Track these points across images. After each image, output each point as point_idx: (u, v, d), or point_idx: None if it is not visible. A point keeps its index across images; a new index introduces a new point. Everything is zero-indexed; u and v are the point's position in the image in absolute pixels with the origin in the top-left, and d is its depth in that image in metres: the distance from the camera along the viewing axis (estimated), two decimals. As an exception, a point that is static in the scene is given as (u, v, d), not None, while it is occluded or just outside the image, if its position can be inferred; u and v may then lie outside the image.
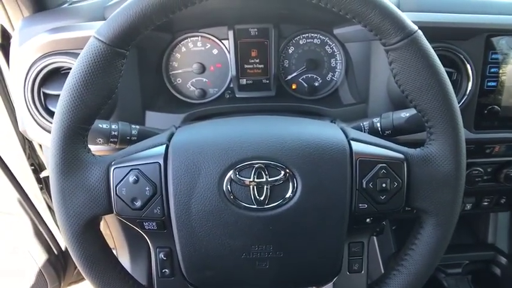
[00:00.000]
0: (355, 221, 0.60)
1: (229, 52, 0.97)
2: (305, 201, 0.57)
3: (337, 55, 1.00)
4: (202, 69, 0.98)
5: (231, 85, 0.99)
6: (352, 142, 0.60)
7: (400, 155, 0.60)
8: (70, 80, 0.55)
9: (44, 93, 0.83)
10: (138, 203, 0.58)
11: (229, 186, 0.56)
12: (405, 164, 0.59)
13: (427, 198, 0.59)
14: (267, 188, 0.56)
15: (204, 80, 1.00)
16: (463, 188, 0.60)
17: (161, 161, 0.58)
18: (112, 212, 0.59)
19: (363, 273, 0.65)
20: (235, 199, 0.57)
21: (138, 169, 0.58)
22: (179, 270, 0.62)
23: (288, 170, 0.57)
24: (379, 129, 0.75)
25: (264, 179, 0.56)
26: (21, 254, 1.26)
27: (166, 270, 0.63)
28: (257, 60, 0.98)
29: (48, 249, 1.29)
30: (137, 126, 0.75)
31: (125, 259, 1.25)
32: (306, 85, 1.00)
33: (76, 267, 0.68)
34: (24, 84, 0.82)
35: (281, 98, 0.98)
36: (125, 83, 0.87)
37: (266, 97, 0.97)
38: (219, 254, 0.59)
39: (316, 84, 1.01)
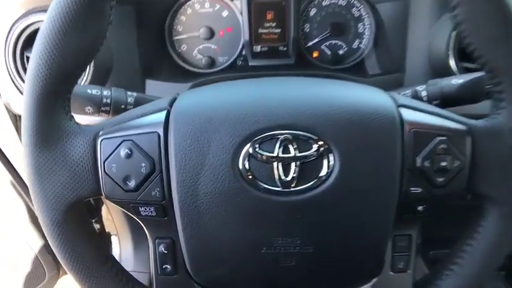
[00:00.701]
0: (404, 208, 0.48)
1: (241, 14, 0.85)
2: (343, 183, 0.45)
3: (365, 19, 0.87)
4: (211, 34, 0.86)
5: (243, 52, 0.86)
6: (402, 109, 0.47)
7: (463, 126, 0.47)
8: (45, 26, 0.43)
9: (27, 57, 0.71)
10: (132, 183, 0.46)
11: (246, 163, 0.44)
12: (469, 138, 0.47)
13: (494, 182, 0.47)
14: (295, 165, 0.44)
15: (213, 46, 0.87)
16: None
17: (160, 131, 0.46)
18: (100, 194, 0.47)
19: (409, 273, 0.53)
20: (254, 179, 0.45)
21: (131, 140, 0.46)
22: (183, 266, 0.51)
23: (322, 143, 0.44)
24: (425, 98, 0.62)
25: (292, 154, 0.44)
26: (17, 240, 1.17)
27: (168, 266, 0.52)
28: (273, 24, 0.86)
29: (44, 235, 1.19)
30: (134, 93, 0.63)
31: (127, 247, 1.16)
32: (329, 53, 0.88)
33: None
34: (5, 48, 0.71)
35: (301, 67, 0.85)
36: (122, 45, 0.76)
37: (284, 65, 0.84)
38: (232, 248, 0.47)
39: (341, 52, 0.88)
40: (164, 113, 0.47)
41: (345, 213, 0.46)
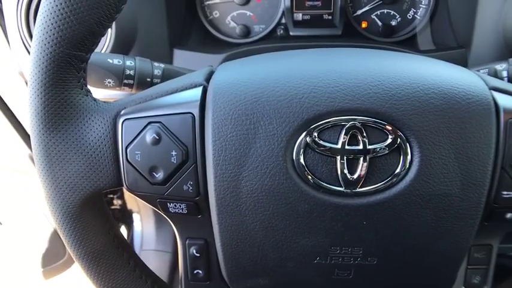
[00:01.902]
0: (489, 215, 0.39)
1: (282, -23, 0.75)
2: (422, 184, 0.36)
3: (424, -15, 0.75)
4: (247, -1, 0.76)
5: (283, 20, 0.76)
6: (495, 93, 0.37)
7: None
8: None
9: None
10: (160, 175, 0.38)
11: (302, 156, 0.36)
12: None
13: None
14: (363, 160, 0.35)
15: (248, 13, 0.78)
16: None
17: (196, 112, 0.37)
18: (121, 186, 0.39)
19: None
20: (311, 176, 0.36)
21: (159, 122, 0.37)
22: (218, 272, 0.43)
23: (399, 133, 0.35)
24: (506, 80, 0.52)
25: (360, 147, 0.35)
26: (35, 215, 1.12)
27: (199, 271, 0.44)
28: None
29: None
30: (162, 64, 0.54)
31: (150, 225, 1.11)
32: (380, 24, 0.77)
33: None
34: (17, 11, 0.63)
35: (348, 39, 0.75)
36: (147, 10, 0.67)
37: (329, 36, 0.74)
38: (280, 256, 0.39)
39: (394, 23, 0.78)
40: (200, 89, 0.39)
41: (420, 221, 0.37)
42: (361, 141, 0.35)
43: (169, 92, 0.39)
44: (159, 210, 0.40)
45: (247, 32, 0.78)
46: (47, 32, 0.34)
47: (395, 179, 0.36)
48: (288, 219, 0.37)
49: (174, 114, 0.38)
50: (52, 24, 0.34)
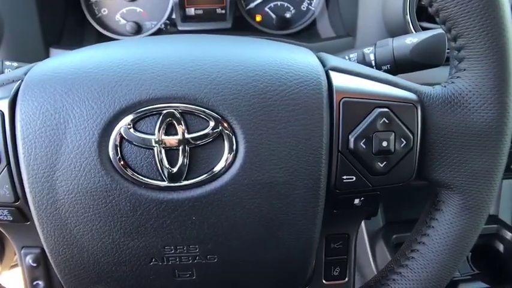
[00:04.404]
0: (335, 202, 0.37)
1: (169, -31, 0.72)
2: (251, 173, 0.34)
3: (316, -25, 0.75)
4: (135, -6, 0.73)
5: (173, 15, 0.74)
6: (332, 73, 0.36)
7: (411, 95, 0.36)
8: None
9: None
10: None
11: (118, 150, 0.33)
12: (419, 109, 0.36)
13: (452, 165, 0.37)
14: (183, 150, 0.33)
15: (138, 9, 0.75)
16: (508, 148, 0.37)
17: (5, 108, 0.34)
18: None
19: (346, 281, 0.42)
20: (131, 172, 0.33)
21: None
22: (59, 282, 0.39)
23: (221, 120, 0.33)
24: (373, 62, 0.51)
25: (180, 136, 0.33)
26: None
27: (40, 282, 0.40)
28: None
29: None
30: (14, 63, 0.50)
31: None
32: (274, 16, 0.76)
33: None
34: None
35: (241, 33, 0.73)
36: (14, 7, 0.63)
37: (219, 30, 0.72)
38: (112, 260, 0.36)
39: (288, 15, 0.77)
40: (15, 84, 0.35)
41: (254, 212, 0.35)
42: (179, 130, 0.33)
43: None
44: None
45: (138, 28, 0.74)
46: None
47: (220, 170, 0.33)
48: (112, 219, 0.34)
49: None
50: None
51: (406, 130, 0.36)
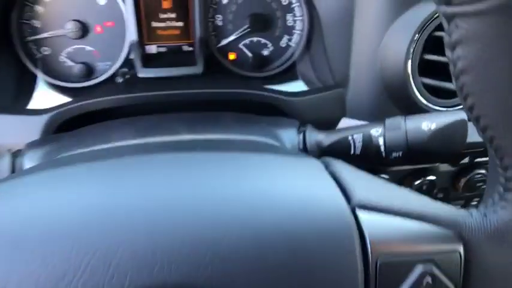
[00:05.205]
0: None
1: (124, 2, 0.60)
2: None
3: (296, 8, 0.66)
4: (83, 30, 0.61)
5: (131, 56, 0.62)
6: (360, 215, 0.27)
7: (455, 241, 0.28)
8: None
9: None
10: None
11: None
12: (462, 254, 0.28)
13: None
14: None
15: (88, 48, 0.62)
16: None
17: None
18: None
19: None
20: None
21: None
22: None
23: None
24: (382, 148, 0.42)
25: None
26: None
27: None
28: (172, 15, 0.63)
29: None
30: None
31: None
32: (250, 54, 0.66)
33: None
34: None
35: (212, 78, 0.62)
36: None
37: (188, 77, 0.61)
38: None
39: (266, 52, 0.67)
40: None
41: None
42: None
43: None
44: None
45: (88, 72, 0.62)
46: None
47: None
48: None
49: None
50: None
51: (449, 283, 0.28)
